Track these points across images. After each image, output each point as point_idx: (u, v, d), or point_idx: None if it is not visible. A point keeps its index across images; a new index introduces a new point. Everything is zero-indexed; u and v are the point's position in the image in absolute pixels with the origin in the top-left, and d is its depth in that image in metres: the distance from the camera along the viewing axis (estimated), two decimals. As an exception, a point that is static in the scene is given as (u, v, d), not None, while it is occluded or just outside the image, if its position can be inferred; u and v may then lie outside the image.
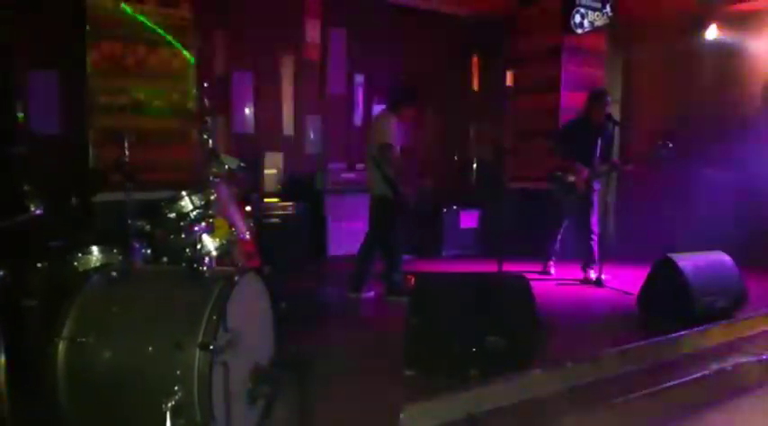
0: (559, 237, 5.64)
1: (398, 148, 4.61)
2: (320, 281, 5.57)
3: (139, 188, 2.91)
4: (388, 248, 4.73)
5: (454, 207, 6.88)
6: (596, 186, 5.36)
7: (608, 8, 6.54)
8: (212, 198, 2.61)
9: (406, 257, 6.03)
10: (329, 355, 3.40)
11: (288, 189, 6.19)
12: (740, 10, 6.30)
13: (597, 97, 5.29)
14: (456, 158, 7.80)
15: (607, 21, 6.55)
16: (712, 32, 6.42)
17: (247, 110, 6.18)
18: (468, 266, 5.98)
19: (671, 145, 4.81)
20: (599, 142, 5.22)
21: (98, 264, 2.67)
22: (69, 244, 2.72)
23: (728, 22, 6.37)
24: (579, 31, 6.41)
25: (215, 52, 5.90)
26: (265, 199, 5.75)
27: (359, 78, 6.89)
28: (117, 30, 4.67)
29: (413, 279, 3.43)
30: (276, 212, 5.67)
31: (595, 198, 5.37)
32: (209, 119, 3.36)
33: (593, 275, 5.31)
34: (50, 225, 2.89)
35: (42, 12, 4.66)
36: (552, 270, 5.73)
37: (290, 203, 5.83)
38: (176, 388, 2.04)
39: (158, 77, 4.78)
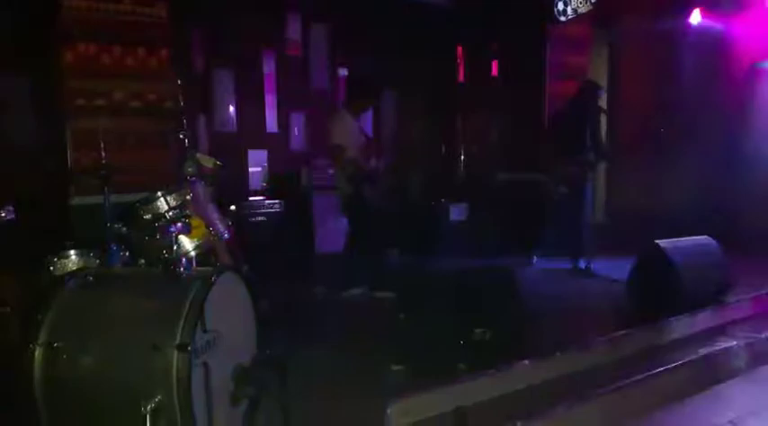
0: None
1: (355, 146, 4.39)
2: (307, 279, 5.52)
3: (116, 190, 2.85)
4: (365, 245, 4.67)
5: (443, 200, 6.85)
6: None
7: (591, -6, 6.51)
8: (188, 198, 2.57)
9: (394, 252, 6.02)
10: (315, 351, 3.37)
11: (273, 186, 6.13)
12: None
13: (593, 90, 5.36)
14: (443, 151, 7.76)
15: (590, 7, 6.51)
16: (696, 17, 6.40)
17: (230, 108, 6.11)
18: (457, 260, 5.96)
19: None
20: (591, 130, 5.25)
21: (75, 268, 2.63)
22: (46, 248, 2.68)
23: (713, 6, 6.36)
24: (563, 18, 6.38)
25: (194, 50, 5.82)
26: (250, 198, 5.70)
27: (342, 73, 6.82)
28: (92, 30, 4.57)
29: (400, 275, 3.41)
30: (261, 210, 5.62)
31: (589, 188, 5.38)
32: (184, 118, 3.31)
33: (582, 264, 5.31)
34: (26, 230, 2.85)
35: (15, 12, 4.55)
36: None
37: (276, 201, 5.78)
38: (155, 391, 2.01)
39: (135, 78, 4.69)
